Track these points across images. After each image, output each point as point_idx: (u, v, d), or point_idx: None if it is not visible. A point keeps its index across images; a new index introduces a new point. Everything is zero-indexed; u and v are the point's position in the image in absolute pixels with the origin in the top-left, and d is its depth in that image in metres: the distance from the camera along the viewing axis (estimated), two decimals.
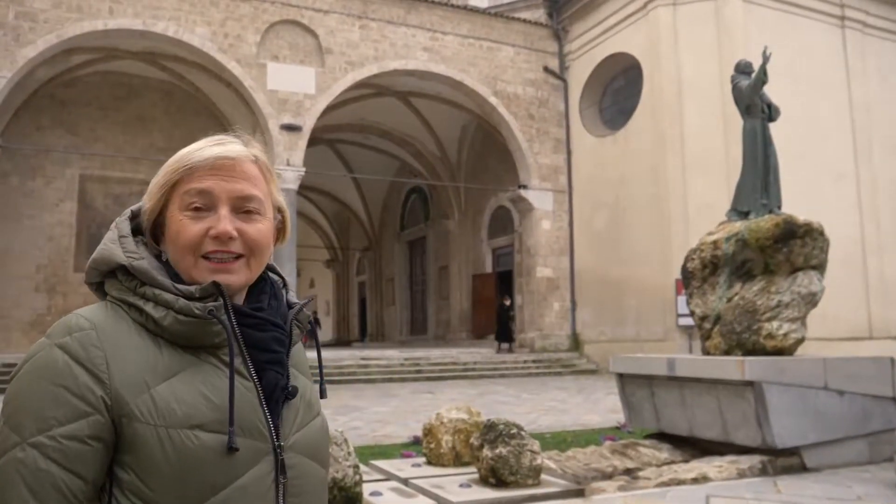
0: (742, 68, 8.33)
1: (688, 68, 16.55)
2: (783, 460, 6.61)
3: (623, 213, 18.16)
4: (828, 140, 16.86)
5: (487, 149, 23.75)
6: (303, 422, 1.05)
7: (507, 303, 21.02)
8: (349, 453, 5.00)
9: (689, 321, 13.01)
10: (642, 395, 7.90)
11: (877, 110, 17.79)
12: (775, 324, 7.24)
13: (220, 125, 21.25)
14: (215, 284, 0.98)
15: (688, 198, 16.14)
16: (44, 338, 0.95)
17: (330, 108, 18.88)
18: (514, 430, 5.44)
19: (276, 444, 0.99)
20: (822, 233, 7.46)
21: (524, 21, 20.65)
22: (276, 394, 1.02)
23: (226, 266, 1.01)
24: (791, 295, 7.32)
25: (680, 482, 6.06)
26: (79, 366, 0.91)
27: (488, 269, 25.39)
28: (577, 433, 8.88)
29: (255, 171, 1.06)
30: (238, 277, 1.02)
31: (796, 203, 8.52)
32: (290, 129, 17.58)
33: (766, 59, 7.70)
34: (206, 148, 1.04)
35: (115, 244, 1.01)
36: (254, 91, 17.38)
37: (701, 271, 8.03)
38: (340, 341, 33.10)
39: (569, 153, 20.73)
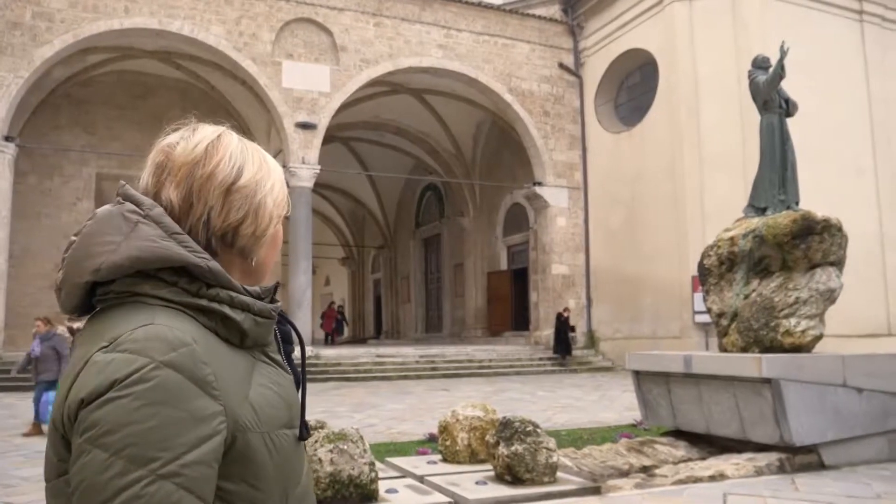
0: (759, 63, 8.25)
1: (704, 64, 16.42)
2: (801, 458, 6.55)
3: (639, 210, 18.07)
4: (846, 135, 16.68)
5: (502, 146, 23.71)
6: None
7: (567, 314, 19.23)
8: (365, 450, 5.02)
9: (706, 318, 12.93)
10: (659, 392, 7.86)
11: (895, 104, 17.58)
12: (793, 321, 7.17)
13: (236, 123, 21.39)
14: (276, 285, 1.05)
15: (704, 194, 16.03)
16: (128, 354, 0.83)
17: (345, 106, 18.93)
18: (530, 428, 5.43)
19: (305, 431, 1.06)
20: (840, 229, 7.38)
21: (539, 17, 20.58)
22: (298, 384, 1.09)
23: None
24: (809, 292, 7.24)
25: (697, 480, 6.02)
26: (195, 386, 0.84)
27: (503, 266, 25.36)
28: (593, 430, 8.85)
29: None
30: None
31: (814, 199, 8.44)
32: (305, 127, 17.65)
33: (783, 53, 7.63)
34: (280, 168, 1.08)
35: (170, 241, 0.91)
36: (269, 89, 17.46)
37: (718, 268, 7.97)
38: (356, 339, 33.20)
39: (584, 150, 20.65)
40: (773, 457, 6.49)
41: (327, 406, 11.43)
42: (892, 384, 7.03)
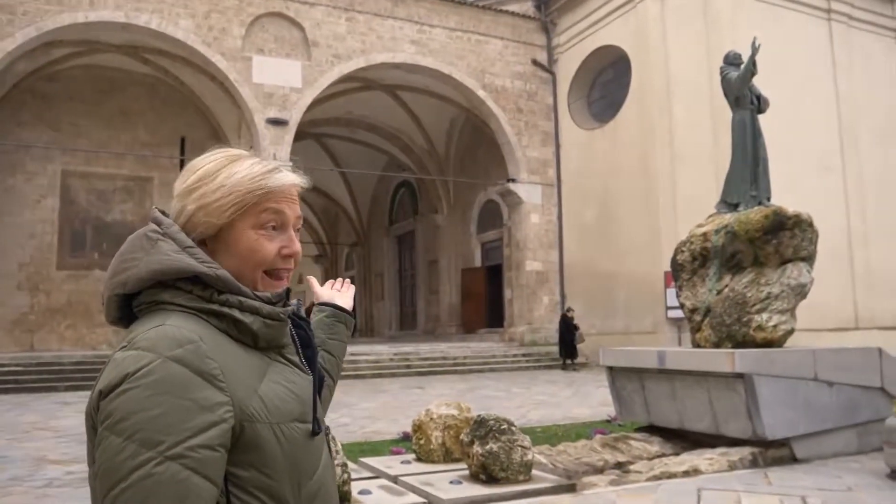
0: (731, 59, 8.29)
1: (676, 61, 16.53)
2: (773, 452, 6.59)
3: (612, 206, 18.15)
4: (815, 132, 16.91)
5: (476, 142, 23.67)
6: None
7: (571, 314, 18.36)
8: (337, 451, 4.93)
9: (679, 314, 13.02)
10: (633, 388, 7.87)
11: (862, 103, 17.85)
12: (765, 315, 7.22)
13: (206, 120, 21.08)
14: (287, 290, 1.14)
15: (676, 190, 16.14)
16: (139, 351, 0.94)
17: (316, 102, 18.74)
18: (505, 426, 5.38)
19: (325, 427, 1.15)
20: (811, 224, 7.44)
21: (512, 14, 20.56)
22: (319, 384, 1.18)
23: (283, 281, 1.13)
24: (781, 287, 7.30)
25: (671, 475, 6.03)
26: (200, 378, 0.93)
27: (477, 263, 25.34)
28: (568, 427, 8.85)
29: None
30: (287, 284, 1.15)
31: (784, 195, 8.51)
32: (277, 123, 17.44)
33: (754, 50, 7.66)
34: (279, 173, 1.11)
35: (183, 254, 1.02)
36: (239, 85, 17.21)
37: (691, 263, 8.00)
38: None
39: (557, 146, 20.69)
40: (745, 451, 6.52)
41: None
42: (862, 377, 7.11)
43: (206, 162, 1.10)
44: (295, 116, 17.74)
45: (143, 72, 20.08)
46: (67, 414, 10.74)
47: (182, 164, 20.51)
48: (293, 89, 17.80)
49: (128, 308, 1.06)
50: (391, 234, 31.90)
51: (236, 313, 1.03)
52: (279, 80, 17.62)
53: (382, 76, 20.84)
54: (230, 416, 0.95)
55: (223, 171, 1.08)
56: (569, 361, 17.89)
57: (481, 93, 19.97)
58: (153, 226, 1.06)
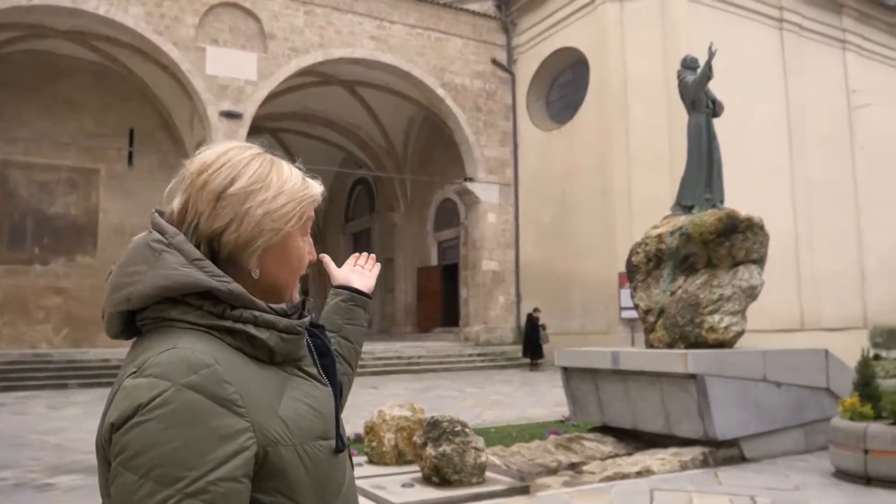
0: (688, 64, 8.37)
1: (633, 64, 16.70)
2: (724, 451, 6.66)
3: (569, 207, 18.26)
4: (765, 138, 17.28)
5: (434, 141, 23.59)
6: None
7: (537, 314, 18.03)
8: None
9: (632, 314, 13.15)
10: (587, 388, 7.88)
11: (811, 111, 18.32)
12: (717, 317, 7.30)
13: (156, 111, 20.53)
14: (303, 301, 1.09)
15: (632, 192, 16.32)
16: (151, 378, 0.87)
17: (272, 96, 18.41)
18: (458, 428, 5.31)
19: (348, 440, 1.08)
20: (762, 227, 7.56)
21: (473, 13, 20.53)
22: (339, 395, 1.12)
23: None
24: (732, 288, 7.39)
25: (624, 476, 6.03)
26: (218, 405, 0.88)
27: (434, 262, 25.27)
28: (522, 427, 8.82)
29: None
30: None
31: (735, 199, 8.63)
32: (230, 116, 17.07)
33: (711, 55, 7.74)
34: (312, 182, 1.10)
35: (191, 267, 0.94)
36: (192, 76, 16.79)
37: (645, 265, 8.05)
38: None
39: (515, 146, 20.74)
40: (697, 451, 6.57)
41: None
42: (809, 378, 7.24)
43: (247, 160, 1.02)
44: (250, 110, 17.39)
45: (90, 59, 19.42)
46: (1, 417, 10.31)
47: (131, 157, 19.97)
48: (248, 82, 17.45)
49: (131, 321, 0.99)
50: (347, 232, 31.61)
51: (251, 329, 0.97)
52: (234, 72, 17.25)
53: (341, 71, 20.60)
54: (252, 444, 0.89)
55: (273, 173, 1.03)
56: (534, 361, 17.80)
57: (440, 91, 19.89)
58: (156, 234, 0.98)
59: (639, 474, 6.10)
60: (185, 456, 0.84)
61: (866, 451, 5.48)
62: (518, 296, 20.36)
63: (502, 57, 20.83)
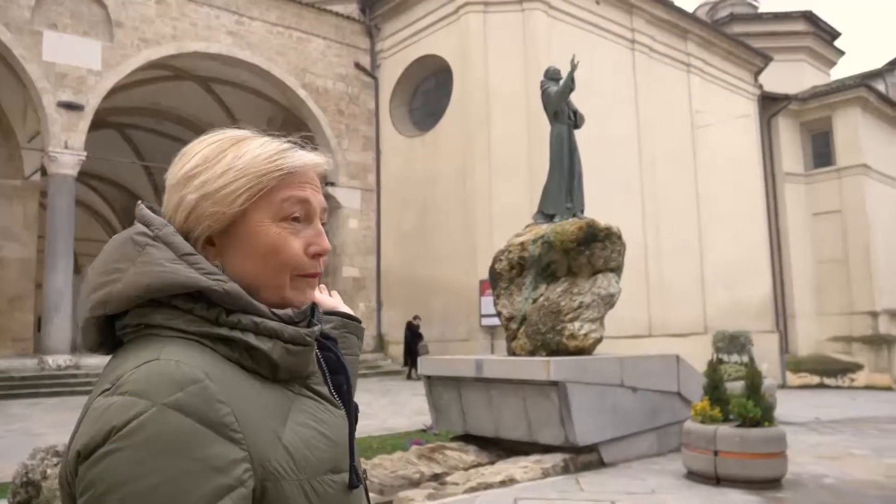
0: (551, 75, 8.52)
1: (495, 74, 17.00)
2: (584, 457, 6.77)
3: (431, 214, 18.28)
4: (619, 152, 18.17)
5: None
6: None
7: (418, 322, 17.59)
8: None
9: (493, 321, 13.30)
10: (450, 396, 7.78)
11: (659, 128, 19.50)
12: (577, 324, 7.44)
13: None
14: (313, 307, 0.93)
15: (493, 200, 16.57)
16: (127, 396, 0.73)
17: (119, 89, 17.09)
18: None
19: (364, 472, 0.95)
20: (619, 237, 7.81)
21: (336, 14, 20.12)
22: (354, 420, 0.97)
23: (315, 284, 0.93)
24: (592, 296, 7.56)
25: (488, 486, 5.96)
26: (209, 430, 0.73)
27: None
28: (384, 438, 8.60)
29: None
30: (314, 295, 0.95)
31: (592, 209, 8.89)
32: (70, 107, 15.62)
33: (573, 67, 7.92)
34: (296, 151, 0.92)
35: (180, 263, 0.81)
36: (25, 61, 15.20)
37: (508, 272, 8.08)
38: None
39: (378, 152, 20.53)
40: (558, 458, 6.63)
41: None
42: (661, 383, 7.54)
43: (206, 144, 0.91)
44: (92, 102, 16.00)
45: None
46: None
47: None
48: (91, 71, 16.06)
49: (111, 330, 0.85)
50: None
51: (251, 338, 0.83)
52: (75, 61, 15.81)
53: (196, 66, 19.50)
54: (249, 477, 0.75)
55: (229, 151, 0.89)
56: (412, 370, 17.15)
57: (301, 92, 19.31)
58: (140, 227, 0.85)
59: (502, 483, 6.05)
60: (167, 493, 0.70)
61: (716, 453, 5.72)
62: (379, 303, 20.13)
63: (366, 61, 20.57)
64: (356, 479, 0.90)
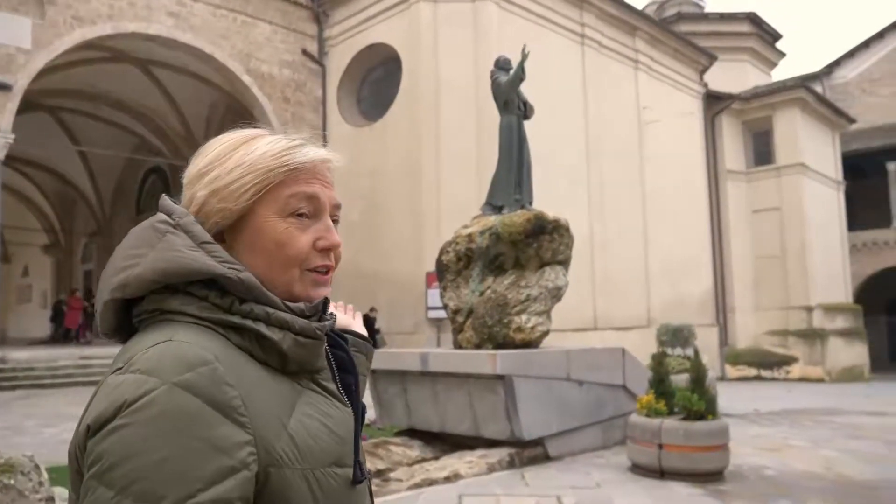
0: (501, 64, 8.40)
1: (445, 65, 16.83)
2: (529, 451, 6.70)
3: (378, 205, 18.03)
4: (567, 145, 18.22)
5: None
6: None
7: (374, 314, 17.09)
8: (40, 483, 3.98)
9: (439, 314, 13.15)
10: (394, 391, 7.63)
11: (608, 122, 19.63)
12: (524, 317, 7.35)
13: None
14: (325, 302, 0.95)
15: (441, 192, 16.42)
16: (138, 374, 0.75)
17: (52, 69, 16.30)
18: None
19: (368, 472, 0.96)
20: (567, 229, 7.75)
21: None
22: (361, 418, 0.98)
23: (326, 280, 0.95)
24: (539, 289, 7.48)
25: (432, 482, 5.83)
26: (216, 411, 0.75)
27: None
28: None
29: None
30: (330, 291, 0.96)
31: (540, 201, 8.80)
32: None
33: (524, 56, 7.81)
34: (304, 147, 0.97)
35: (198, 251, 0.84)
36: None
37: (455, 264, 7.94)
38: (56, 338, 28.89)
39: (325, 140, 20.01)
40: (503, 452, 6.55)
41: (12, 421, 9.58)
42: (607, 376, 7.52)
43: (221, 143, 0.95)
44: (21, 82, 15.21)
45: None
46: None
47: None
48: (20, 50, 15.26)
49: (127, 317, 0.87)
50: (139, 223, 29.09)
51: (262, 328, 0.85)
52: (2, 38, 15.00)
53: (135, 48, 18.75)
54: (253, 461, 0.76)
55: (240, 149, 0.93)
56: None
57: (246, 78, 18.76)
58: (162, 216, 0.91)
59: (447, 479, 5.93)
60: (171, 469, 0.71)
61: (661, 446, 5.70)
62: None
63: (313, 48, 20.12)
64: (360, 475, 0.90)
